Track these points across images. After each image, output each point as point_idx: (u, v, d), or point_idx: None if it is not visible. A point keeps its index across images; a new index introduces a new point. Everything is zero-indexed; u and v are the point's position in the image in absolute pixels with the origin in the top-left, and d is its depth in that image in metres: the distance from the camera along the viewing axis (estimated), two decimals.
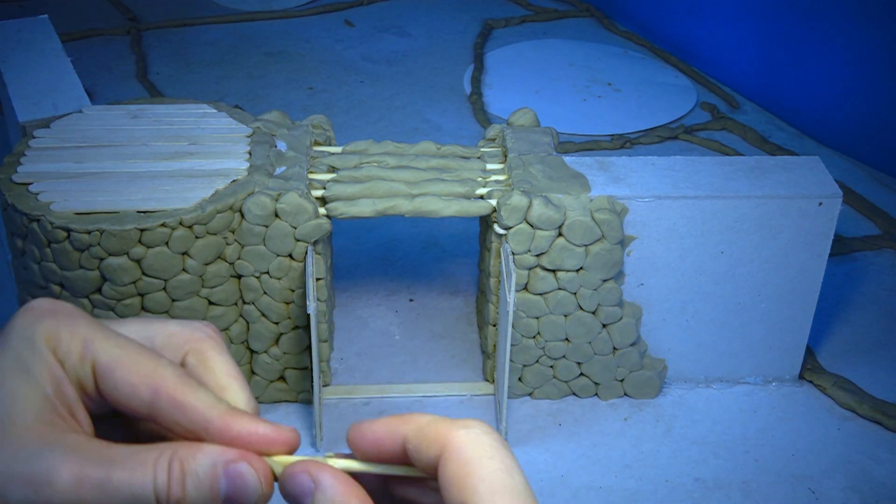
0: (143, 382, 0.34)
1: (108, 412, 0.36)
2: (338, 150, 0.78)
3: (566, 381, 0.78)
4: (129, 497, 0.33)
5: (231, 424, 0.34)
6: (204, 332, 0.37)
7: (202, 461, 0.34)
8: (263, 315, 0.73)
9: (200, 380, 0.36)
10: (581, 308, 0.74)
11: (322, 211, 0.72)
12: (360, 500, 0.34)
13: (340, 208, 0.72)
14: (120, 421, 0.37)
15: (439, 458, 0.33)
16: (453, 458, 0.33)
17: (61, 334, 0.35)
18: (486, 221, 0.76)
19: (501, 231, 0.72)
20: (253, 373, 0.76)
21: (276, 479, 0.34)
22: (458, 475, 0.33)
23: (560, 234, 0.71)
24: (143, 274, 0.69)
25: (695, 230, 0.73)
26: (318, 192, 0.72)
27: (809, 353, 0.83)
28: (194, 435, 0.34)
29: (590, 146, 1.11)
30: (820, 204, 0.73)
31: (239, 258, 0.71)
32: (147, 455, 0.33)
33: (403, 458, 0.34)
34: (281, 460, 0.34)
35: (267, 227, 0.70)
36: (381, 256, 0.93)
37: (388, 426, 0.34)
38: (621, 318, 0.75)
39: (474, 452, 0.33)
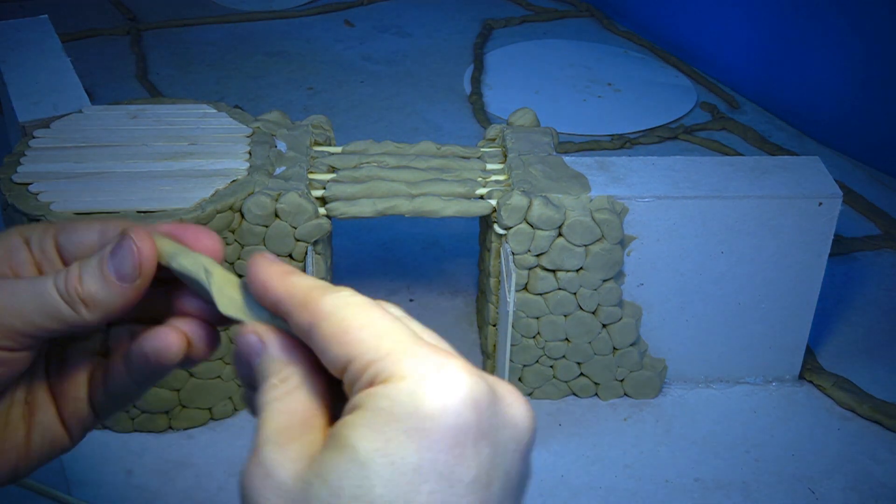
0: (94, 227, 0.41)
1: None
2: (338, 150, 0.78)
3: (566, 381, 0.78)
4: (36, 296, 0.39)
5: (158, 229, 0.40)
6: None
7: (94, 255, 0.39)
8: None
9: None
10: (581, 308, 0.74)
11: (322, 211, 0.72)
12: (302, 356, 0.35)
13: (340, 208, 0.72)
14: None
15: (311, 327, 0.33)
16: (325, 322, 0.33)
17: (31, 227, 0.41)
18: (486, 221, 0.76)
19: (501, 231, 0.72)
20: None
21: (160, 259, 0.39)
22: (335, 333, 0.32)
23: (560, 234, 0.71)
24: None
25: (695, 230, 0.73)
26: (318, 192, 0.72)
27: (809, 353, 0.83)
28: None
29: (590, 146, 1.11)
30: (820, 204, 0.73)
31: (239, 258, 0.71)
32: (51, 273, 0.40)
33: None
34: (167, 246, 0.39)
35: (267, 227, 0.70)
36: (381, 256, 0.93)
37: (265, 278, 0.36)
38: (621, 318, 0.75)
39: (347, 309, 0.33)
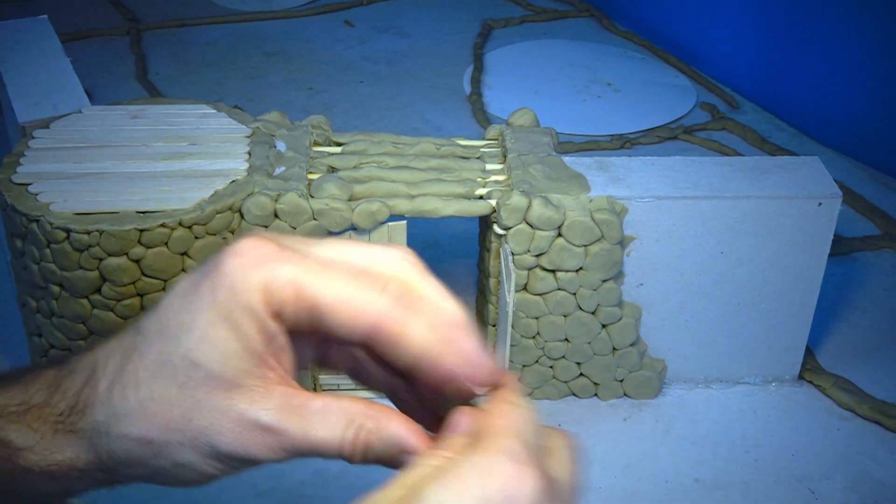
0: (362, 319, 0.37)
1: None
2: (337, 150, 0.78)
3: (566, 382, 0.78)
4: (317, 451, 0.38)
5: (444, 358, 0.38)
6: (403, 258, 0.39)
7: (386, 438, 0.38)
8: None
9: (412, 307, 0.38)
10: (581, 308, 0.74)
11: None
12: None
13: None
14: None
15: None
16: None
17: (273, 285, 0.37)
18: (485, 222, 0.76)
19: (501, 231, 0.72)
20: None
21: None
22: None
23: (559, 235, 0.71)
24: (143, 274, 0.69)
25: (694, 230, 0.73)
26: None
27: (809, 353, 0.83)
28: (408, 364, 0.38)
29: (589, 146, 1.11)
30: (820, 204, 0.73)
31: None
32: (339, 418, 0.38)
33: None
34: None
35: (266, 227, 0.70)
36: None
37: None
38: (621, 319, 0.75)
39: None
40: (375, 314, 0.37)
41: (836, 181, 0.74)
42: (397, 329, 0.37)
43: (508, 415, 0.36)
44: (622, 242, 0.72)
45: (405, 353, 0.38)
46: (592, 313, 0.74)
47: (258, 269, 0.37)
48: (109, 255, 0.67)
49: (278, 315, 0.37)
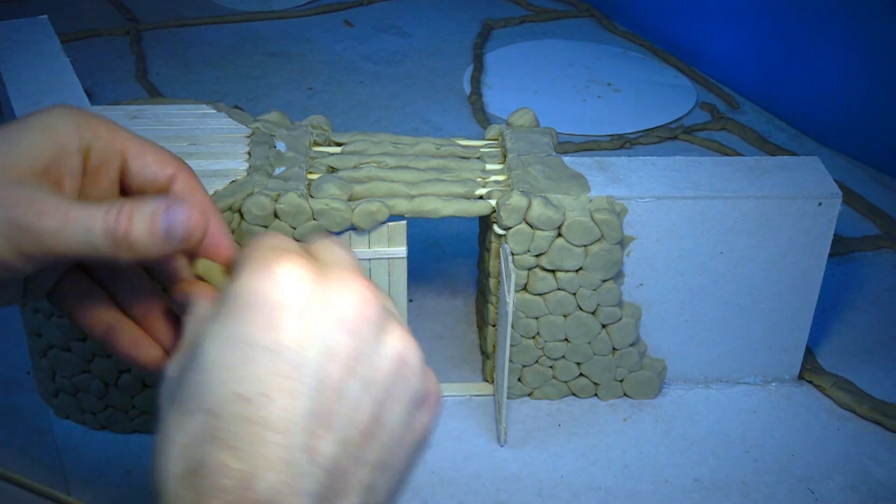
0: (170, 162, 0.45)
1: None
2: (337, 150, 0.78)
3: (566, 382, 0.78)
4: (83, 231, 0.40)
5: (217, 224, 0.44)
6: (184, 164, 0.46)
7: (149, 203, 0.41)
8: None
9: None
10: (580, 308, 0.74)
11: None
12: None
13: None
14: None
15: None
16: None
17: (91, 122, 0.43)
18: (485, 222, 0.76)
19: (501, 231, 0.72)
20: None
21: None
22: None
23: (559, 235, 0.71)
24: None
25: (694, 230, 0.73)
26: None
27: (809, 353, 0.83)
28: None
29: (589, 146, 1.11)
30: (819, 204, 0.73)
31: None
32: (101, 205, 0.41)
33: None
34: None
35: (266, 227, 0.70)
36: None
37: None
38: (621, 319, 0.75)
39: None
40: (177, 164, 0.45)
41: (836, 181, 0.74)
42: (192, 182, 0.45)
43: (329, 250, 0.40)
44: (622, 242, 0.72)
45: (198, 200, 0.45)
46: (592, 313, 0.74)
47: (82, 112, 0.43)
48: None
49: (87, 151, 0.43)
